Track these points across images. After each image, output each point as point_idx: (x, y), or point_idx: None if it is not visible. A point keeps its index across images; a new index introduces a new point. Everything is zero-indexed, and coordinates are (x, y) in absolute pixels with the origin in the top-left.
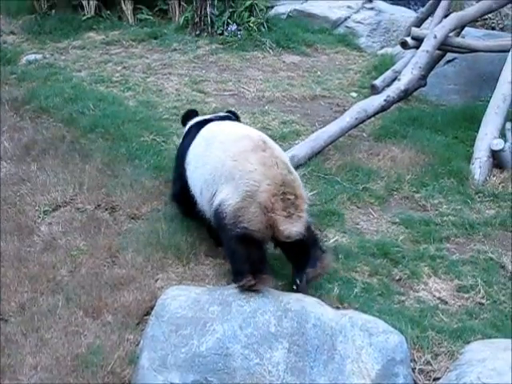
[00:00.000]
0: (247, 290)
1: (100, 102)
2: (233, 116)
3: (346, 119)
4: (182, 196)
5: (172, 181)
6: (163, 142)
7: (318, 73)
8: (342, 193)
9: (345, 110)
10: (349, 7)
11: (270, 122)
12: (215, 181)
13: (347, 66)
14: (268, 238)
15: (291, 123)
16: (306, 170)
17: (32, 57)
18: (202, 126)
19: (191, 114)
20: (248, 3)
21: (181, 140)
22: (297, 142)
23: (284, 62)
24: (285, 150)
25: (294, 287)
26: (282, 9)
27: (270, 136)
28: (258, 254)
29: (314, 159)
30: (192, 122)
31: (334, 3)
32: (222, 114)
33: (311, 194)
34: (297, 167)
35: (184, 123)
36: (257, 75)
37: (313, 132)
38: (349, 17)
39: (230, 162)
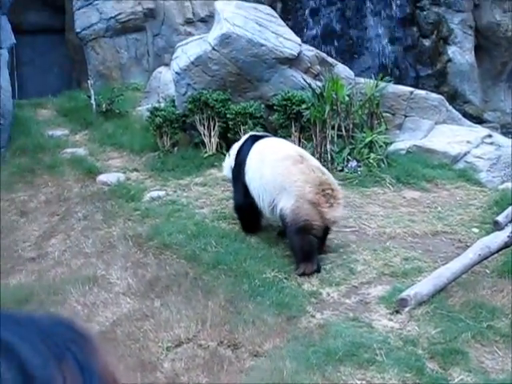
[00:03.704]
0: (303, 275)
1: (222, 238)
2: None
3: (469, 256)
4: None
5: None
6: (285, 278)
7: (439, 208)
8: (466, 331)
9: (467, 246)
10: (468, 142)
11: (392, 259)
12: (271, 191)
13: (468, 202)
14: (323, 227)
15: (413, 260)
16: (429, 307)
17: (155, 193)
18: (254, 142)
19: None
20: (367, 140)
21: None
22: (419, 278)
23: (404, 197)
24: (407, 287)
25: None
26: (401, 145)
27: (392, 272)
28: (313, 243)
29: (437, 296)
30: (244, 138)
31: (453, 138)
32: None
33: (434, 332)
34: (419, 304)
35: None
36: (377, 211)
37: (435, 269)
38: (468, 152)
39: (280, 177)
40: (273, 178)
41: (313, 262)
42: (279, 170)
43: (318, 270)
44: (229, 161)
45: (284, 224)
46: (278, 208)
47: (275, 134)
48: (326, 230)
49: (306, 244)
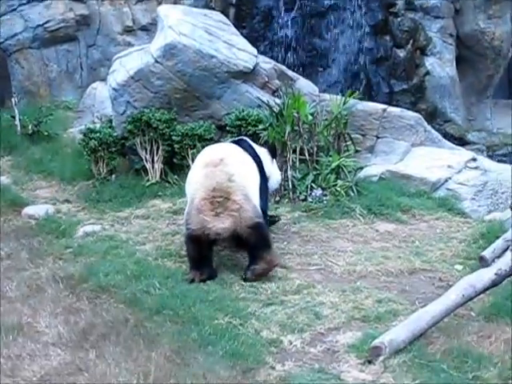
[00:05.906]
0: (192, 282)
1: (167, 279)
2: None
3: (451, 297)
4: None
5: None
6: (240, 325)
7: (417, 242)
8: (449, 382)
9: (449, 286)
10: (449, 167)
11: (363, 301)
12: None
13: (450, 235)
14: (207, 236)
15: (387, 301)
16: (407, 356)
17: (89, 228)
18: None
19: None
20: (334, 164)
21: None
22: (394, 323)
23: (377, 230)
24: (380, 334)
25: (243, 278)
26: (372, 170)
27: (364, 317)
28: (201, 251)
29: (416, 343)
30: None
31: (432, 162)
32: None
33: None
34: (395, 353)
35: None
36: (346, 246)
37: (413, 311)
38: (450, 178)
39: (188, 182)
40: (187, 183)
41: (202, 270)
42: (191, 173)
43: (211, 277)
44: None
45: None
46: None
47: None
48: (241, 240)
49: (193, 252)
